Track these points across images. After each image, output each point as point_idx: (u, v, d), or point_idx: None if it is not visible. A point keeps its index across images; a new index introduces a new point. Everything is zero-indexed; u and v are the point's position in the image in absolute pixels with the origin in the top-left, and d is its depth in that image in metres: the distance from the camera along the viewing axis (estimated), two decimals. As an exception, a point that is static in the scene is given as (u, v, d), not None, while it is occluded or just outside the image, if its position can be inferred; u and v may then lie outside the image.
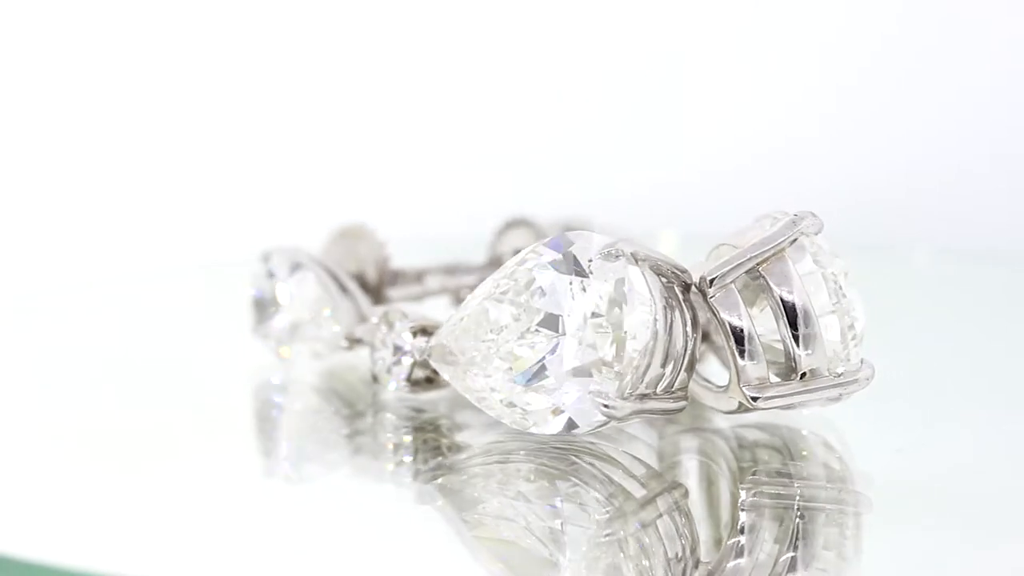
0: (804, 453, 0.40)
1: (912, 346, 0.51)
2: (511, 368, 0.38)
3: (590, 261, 0.38)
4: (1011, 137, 0.70)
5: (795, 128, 0.72)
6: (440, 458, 0.41)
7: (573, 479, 0.39)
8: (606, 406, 0.38)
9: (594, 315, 0.38)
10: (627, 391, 0.38)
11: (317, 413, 0.46)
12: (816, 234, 0.39)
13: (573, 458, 0.39)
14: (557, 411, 0.38)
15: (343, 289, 0.46)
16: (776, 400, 0.38)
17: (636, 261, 0.38)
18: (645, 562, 0.34)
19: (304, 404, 0.47)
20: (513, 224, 0.52)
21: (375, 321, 0.43)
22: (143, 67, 0.73)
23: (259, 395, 0.48)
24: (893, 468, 0.39)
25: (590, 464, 0.39)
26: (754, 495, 0.37)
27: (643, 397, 0.38)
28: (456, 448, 0.41)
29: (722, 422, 0.41)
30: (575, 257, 0.38)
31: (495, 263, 0.51)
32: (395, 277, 0.51)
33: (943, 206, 0.70)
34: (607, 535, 0.36)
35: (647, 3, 0.73)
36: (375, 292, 0.50)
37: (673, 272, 0.39)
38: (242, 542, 0.36)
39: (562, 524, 0.36)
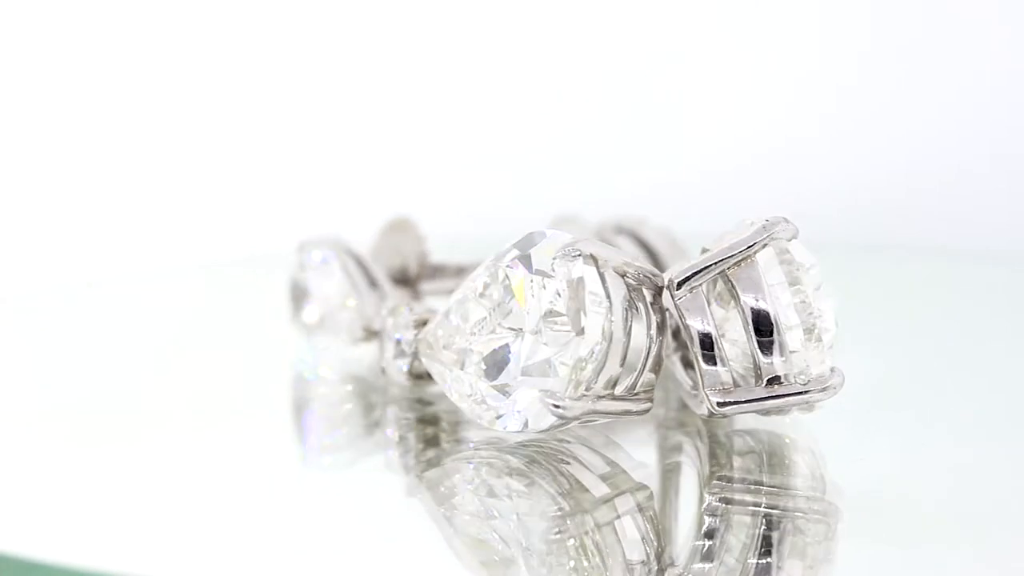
0: (786, 461, 0.40)
1: (908, 348, 0.51)
2: (479, 364, 0.39)
3: (553, 260, 0.38)
4: (1010, 137, 0.70)
5: (794, 128, 0.72)
6: (434, 451, 0.41)
7: (549, 475, 0.39)
8: (556, 406, 0.38)
9: (548, 314, 0.38)
10: (581, 391, 0.38)
11: (330, 405, 0.47)
12: (789, 240, 0.38)
13: (562, 455, 0.40)
14: (514, 410, 0.38)
15: (371, 281, 0.47)
16: (740, 406, 0.38)
17: (596, 262, 0.38)
18: (599, 562, 0.34)
19: (319, 395, 0.48)
20: (560, 221, 0.52)
21: (384, 313, 0.43)
22: (149, 68, 0.73)
23: (279, 386, 0.49)
24: (872, 477, 0.39)
25: (573, 462, 0.40)
26: (720, 500, 0.37)
27: (600, 398, 0.38)
28: (456, 442, 0.41)
29: (724, 425, 0.41)
30: (538, 256, 0.38)
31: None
32: (435, 271, 0.51)
33: (942, 207, 0.70)
34: (557, 533, 0.36)
35: (647, 4, 0.73)
36: (414, 286, 0.50)
37: (644, 275, 0.39)
38: (232, 536, 0.37)
39: (518, 519, 0.37)
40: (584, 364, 0.38)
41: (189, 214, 0.73)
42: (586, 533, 0.36)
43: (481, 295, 0.39)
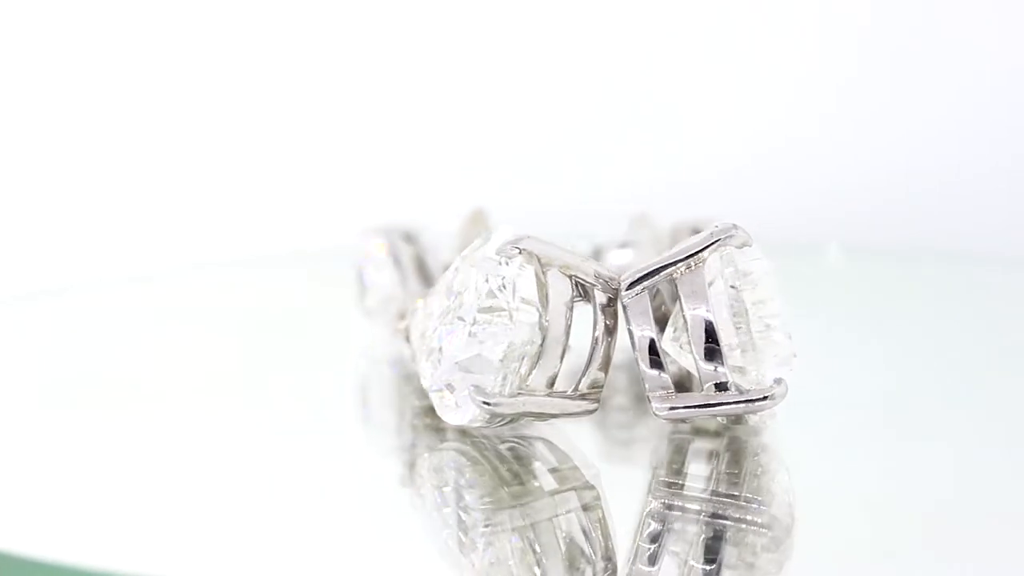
0: (746, 470, 0.39)
1: (906, 349, 0.51)
2: (436, 356, 0.39)
3: (496, 256, 0.39)
4: (1011, 139, 0.70)
5: (794, 129, 0.72)
6: (430, 440, 0.42)
7: (507, 468, 0.39)
8: (485, 402, 0.38)
9: (482, 310, 0.38)
10: (514, 388, 0.38)
11: (364, 394, 0.48)
12: (740, 247, 0.38)
13: (532, 451, 0.40)
14: (455, 403, 0.39)
15: (422, 273, 0.48)
16: (679, 411, 0.38)
17: (539, 261, 0.39)
18: (531, 557, 0.34)
19: (355, 384, 0.49)
20: (634, 221, 0.52)
21: (414, 306, 0.43)
22: (159, 71, 0.73)
23: (322, 375, 0.50)
24: (837, 488, 0.39)
25: (539, 458, 0.40)
26: (663, 505, 0.37)
27: (538, 396, 0.39)
28: (457, 433, 0.42)
29: (710, 426, 0.42)
30: (483, 252, 0.39)
31: (596, 255, 0.52)
32: None
33: (941, 208, 0.70)
34: (487, 525, 0.36)
35: (647, 4, 0.73)
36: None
37: (598, 277, 0.39)
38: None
39: (461, 511, 0.37)
40: (513, 360, 0.38)
41: (211, 212, 0.73)
42: (516, 529, 0.36)
43: (449, 288, 0.40)
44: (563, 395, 0.39)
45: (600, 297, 0.39)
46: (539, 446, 0.41)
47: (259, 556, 0.35)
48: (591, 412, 0.39)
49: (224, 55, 0.74)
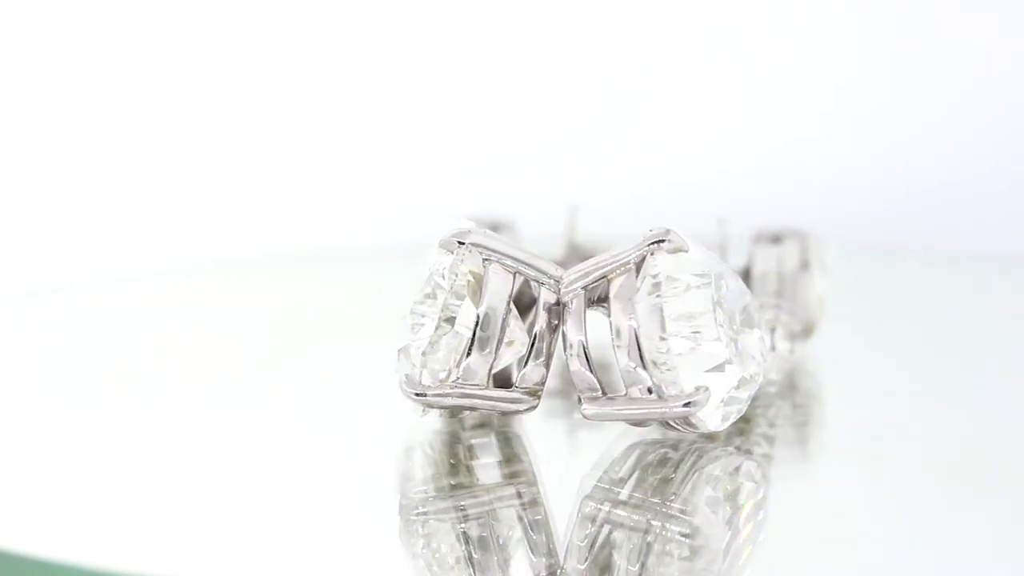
0: (684, 480, 0.39)
1: (902, 351, 0.51)
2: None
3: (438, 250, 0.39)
4: (1011, 139, 0.70)
5: (794, 129, 0.72)
6: (408, 431, 0.42)
7: (459, 461, 0.40)
8: (417, 393, 0.39)
9: (417, 302, 0.39)
10: (440, 380, 0.39)
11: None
12: (674, 252, 0.38)
13: (489, 445, 0.41)
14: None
15: None
16: (603, 412, 0.38)
17: (482, 256, 0.39)
18: (445, 548, 0.35)
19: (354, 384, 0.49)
20: (723, 223, 0.52)
21: None
22: (161, 71, 0.73)
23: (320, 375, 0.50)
24: (785, 503, 0.39)
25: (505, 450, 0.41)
26: (589, 511, 0.37)
27: (468, 388, 0.39)
28: (440, 423, 0.42)
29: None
30: (433, 246, 0.40)
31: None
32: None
33: (940, 208, 0.70)
34: (416, 513, 0.37)
35: (646, 4, 0.73)
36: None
37: (544, 274, 0.39)
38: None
39: (402, 496, 0.38)
40: (439, 352, 0.39)
41: (206, 213, 0.73)
42: (448, 518, 0.37)
43: (426, 281, 0.40)
44: (499, 390, 0.39)
45: (547, 295, 0.39)
46: (496, 440, 0.41)
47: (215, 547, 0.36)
48: (529, 409, 0.39)
49: (224, 54, 0.74)
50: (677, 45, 0.73)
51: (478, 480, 0.39)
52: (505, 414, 0.40)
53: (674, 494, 0.38)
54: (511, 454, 0.41)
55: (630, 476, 0.39)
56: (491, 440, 0.41)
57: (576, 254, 0.51)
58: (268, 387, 0.48)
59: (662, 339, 0.38)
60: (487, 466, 0.40)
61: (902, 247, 0.68)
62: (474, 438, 0.41)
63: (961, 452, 0.41)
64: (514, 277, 0.39)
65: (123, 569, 0.33)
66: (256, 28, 0.74)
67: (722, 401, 0.38)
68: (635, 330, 0.38)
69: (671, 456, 0.40)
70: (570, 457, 0.42)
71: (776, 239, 0.48)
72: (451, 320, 0.39)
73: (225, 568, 0.35)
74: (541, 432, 0.42)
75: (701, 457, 0.39)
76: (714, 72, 0.73)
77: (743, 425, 0.42)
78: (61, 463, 0.41)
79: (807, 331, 0.46)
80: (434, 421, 0.41)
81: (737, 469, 0.39)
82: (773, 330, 0.43)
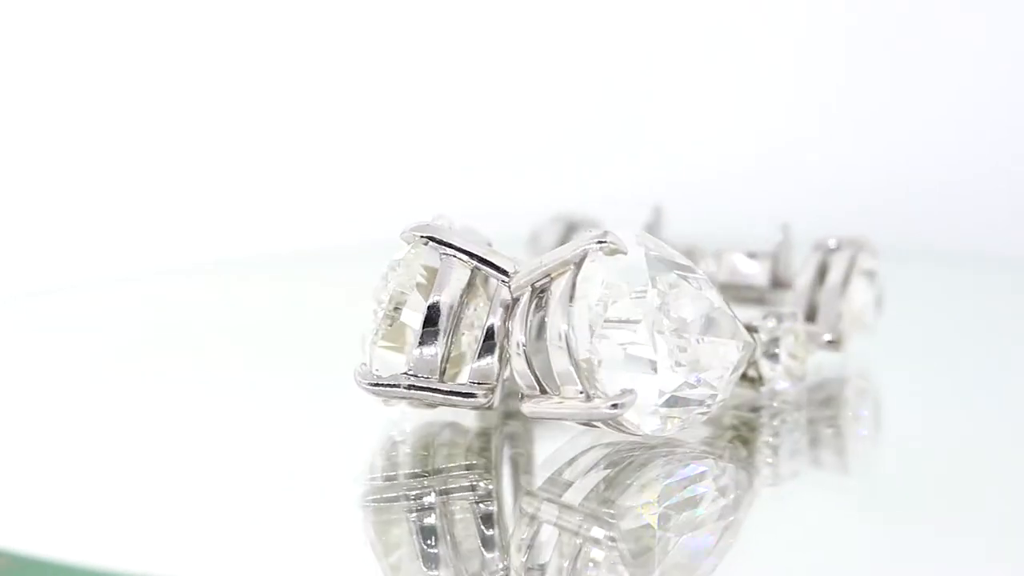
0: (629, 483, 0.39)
1: (901, 352, 0.51)
2: None
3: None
4: (1011, 139, 0.70)
5: (792, 130, 0.72)
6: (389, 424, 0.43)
7: (419, 453, 0.41)
8: (369, 384, 0.39)
9: (376, 292, 0.40)
10: (390, 370, 0.39)
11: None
12: (612, 254, 0.38)
13: (454, 438, 0.42)
14: None
15: None
16: (537, 412, 0.39)
17: (438, 249, 0.40)
18: (391, 536, 0.36)
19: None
20: (785, 228, 0.51)
21: None
22: (159, 72, 0.73)
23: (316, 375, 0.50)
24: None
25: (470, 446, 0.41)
26: (529, 510, 0.38)
27: (417, 379, 0.39)
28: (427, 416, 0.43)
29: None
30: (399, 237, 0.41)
31: (717, 257, 0.51)
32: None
33: (939, 209, 0.70)
34: (371, 500, 0.38)
35: (647, 5, 0.73)
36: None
37: (498, 271, 0.40)
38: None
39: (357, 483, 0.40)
40: (384, 341, 0.39)
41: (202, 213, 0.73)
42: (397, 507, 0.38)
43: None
44: (449, 383, 0.40)
45: (505, 292, 0.40)
46: (465, 434, 0.42)
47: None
48: (481, 406, 0.40)
49: (222, 54, 0.74)
50: (677, 45, 0.73)
51: (439, 471, 0.39)
52: (459, 408, 0.40)
53: (609, 497, 0.38)
54: (481, 447, 0.41)
55: (578, 477, 0.39)
56: (469, 434, 0.42)
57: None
58: (266, 385, 0.49)
59: (592, 341, 0.38)
60: (455, 457, 0.40)
61: (901, 248, 0.68)
62: (455, 432, 0.42)
63: (959, 461, 0.41)
64: (471, 272, 0.40)
65: (122, 569, 0.33)
66: (257, 29, 0.74)
67: (662, 406, 0.38)
68: (567, 331, 0.38)
69: (629, 458, 0.40)
70: (539, 455, 0.42)
71: (830, 248, 0.48)
72: (398, 310, 0.40)
73: (207, 562, 0.35)
74: (526, 430, 0.42)
75: (654, 460, 0.40)
76: (714, 72, 0.73)
77: (748, 434, 0.42)
78: (57, 462, 0.41)
79: (835, 343, 0.46)
80: (440, 414, 0.42)
81: (701, 475, 0.39)
82: (775, 339, 0.43)
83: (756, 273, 0.50)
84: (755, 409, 0.43)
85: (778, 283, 0.50)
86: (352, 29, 0.74)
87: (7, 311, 0.59)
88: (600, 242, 0.38)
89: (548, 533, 0.36)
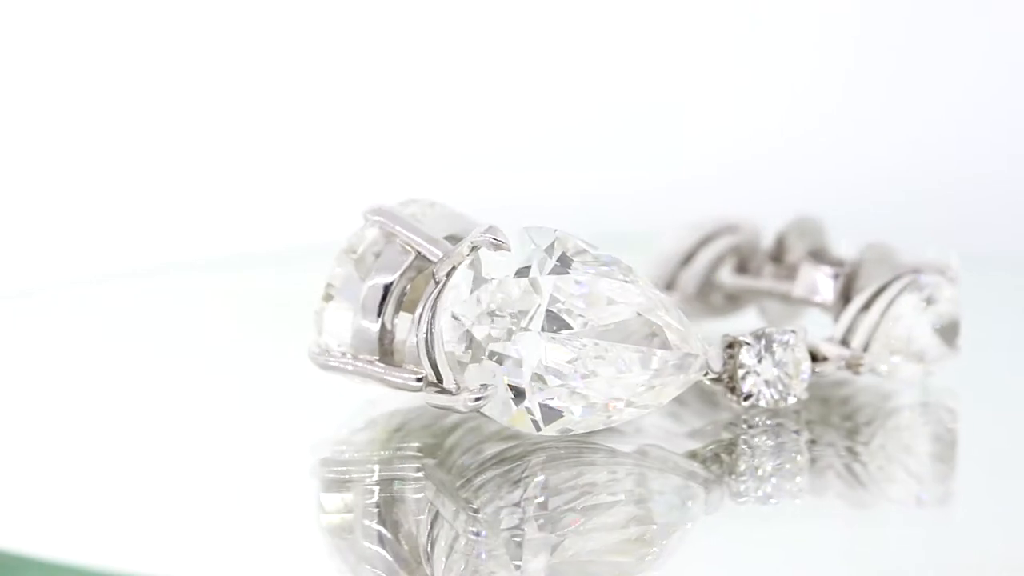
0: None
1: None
2: None
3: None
4: (1012, 139, 0.70)
5: (794, 129, 0.72)
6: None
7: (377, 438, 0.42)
8: (320, 362, 0.41)
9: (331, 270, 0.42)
10: (336, 350, 0.41)
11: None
12: (496, 250, 0.39)
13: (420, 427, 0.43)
14: None
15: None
16: (429, 399, 0.40)
17: (385, 233, 0.41)
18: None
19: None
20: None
21: None
22: (149, 68, 0.73)
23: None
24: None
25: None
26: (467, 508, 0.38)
27: (357, 360, 0.41)
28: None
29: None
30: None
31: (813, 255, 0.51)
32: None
33: (940, 209, 0.70)
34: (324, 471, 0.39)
35: (647, 5, 0.73)
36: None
37: (430, 256, 0.40)
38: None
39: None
40: (328, 320, 0.41)
41: (190, 210, 0.73)
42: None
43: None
44: (384, 364, 0.40)
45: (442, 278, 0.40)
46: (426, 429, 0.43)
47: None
48: (411, 388, 0.40)
49: (225, 50, 0.74)
50: (679, 44, 0.73)
51: (384, 453, 0.41)
52: (396, 388, 0.41)
53: (474, 494, 0.38)
54: (445, 430, 0.42)
55: (473, 470, 0.40)
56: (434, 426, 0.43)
57: (821, 260, 0.50)
58: (264, 382, 0.49)
59: (460, 339, 0.39)
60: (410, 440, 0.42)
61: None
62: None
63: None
64: (413, 256, 0.41)
65: (123, 569, 0.33)
66: (258, 30, 0.74)
67: (546, 404, 0.39)
68: (431, 326, 0.39)
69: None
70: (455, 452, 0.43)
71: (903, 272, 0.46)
72: (332, 287, 0.41)
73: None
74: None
75: (554, 461, 0.40)
76: (715, 73, 0.73)
77: (724, 451, 0.42)
78: (56, 462, 0.41)
79: (853, 367, 0.44)
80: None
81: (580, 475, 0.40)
82: (762, 355, 0.42)
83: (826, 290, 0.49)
84: (733, 424, 0.43)
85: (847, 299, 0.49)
86: (357, 28, 0.74)
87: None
88: (483, 238, 0.39)
89: (435, 521, 0.37)
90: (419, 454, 0.41)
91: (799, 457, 0.42)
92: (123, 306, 0.59)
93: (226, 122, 0.74)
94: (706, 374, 0.41)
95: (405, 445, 0.41)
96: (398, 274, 0.40)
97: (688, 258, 0.51)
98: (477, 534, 0.36)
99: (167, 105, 0.73)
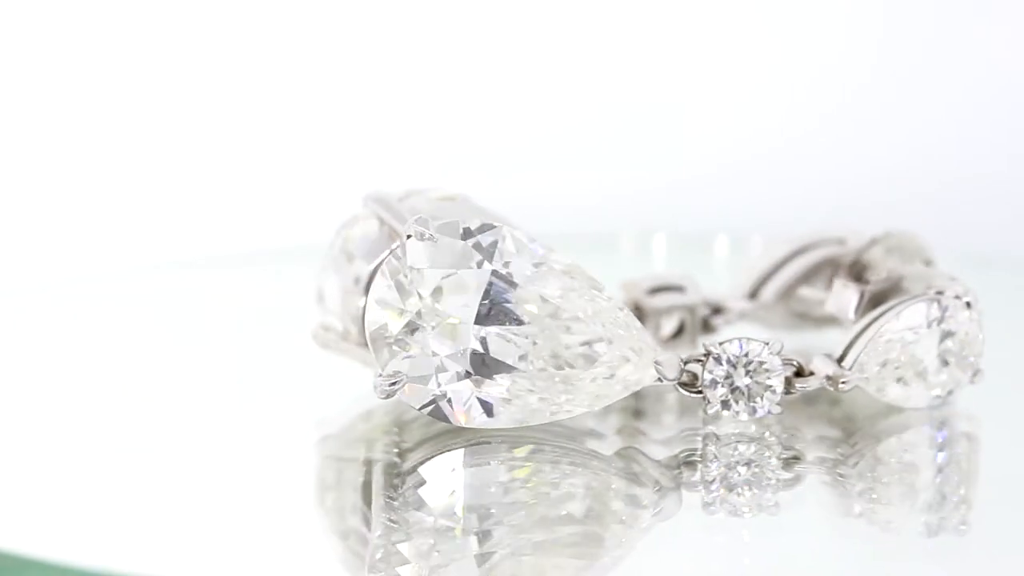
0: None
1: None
2: None
3: None
4: (1012, 139, 0.70)
5: (794, 129, 0.72)
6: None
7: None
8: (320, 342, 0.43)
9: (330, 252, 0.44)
10: (335, 328, 0.42)
11: None
12: (421, 240, 0.40)
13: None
14: None
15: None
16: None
17: (379, 218, 0.42)
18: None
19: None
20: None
21: None
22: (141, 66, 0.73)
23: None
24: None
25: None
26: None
27: (347, 343, 0.43)
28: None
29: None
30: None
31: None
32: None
33: (940, 209, 0.70)
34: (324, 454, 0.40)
35: (647, 5, 0.73)
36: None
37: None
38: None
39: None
40: (322, 302, 0.42)
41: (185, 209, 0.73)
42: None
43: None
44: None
45: None
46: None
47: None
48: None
49: (227, 49, 0.74)
50: (676, 45, 0.73)
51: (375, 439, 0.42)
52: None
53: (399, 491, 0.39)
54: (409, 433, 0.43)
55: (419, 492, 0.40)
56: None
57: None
58: (264, 382, 0.49)
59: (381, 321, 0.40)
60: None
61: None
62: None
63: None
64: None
65: (122, 569, 0.33)
66: (259, 30, 0.74)
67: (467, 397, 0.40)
68: (363, 310, 0.40)
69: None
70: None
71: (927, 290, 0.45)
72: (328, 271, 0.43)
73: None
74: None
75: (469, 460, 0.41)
76: (716, 73, 0.73)
77: (696, 458, 0.42)
78: (53, 462, 0.41)
79: (831, 379, 0.43)
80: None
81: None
82: (739, 365, 0.42)
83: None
84: (707, 435, 0.43)
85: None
86: (359, 27, 0.74)
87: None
88: (412, 229, 0.40)
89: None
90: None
91: (771, 471, 0.41)
92: (123, 305, 0.59)
93: (227, 122, 0.74)
94: (660, 380, 0.41)
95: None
96: (380, 261, 0.41)
97: (777, 269, 0.50)
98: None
99: (167, 104, 0.73)
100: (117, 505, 0.38)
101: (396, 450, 0.42)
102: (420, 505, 0.38)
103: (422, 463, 0.41)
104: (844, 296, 0.47)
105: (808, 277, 0.49)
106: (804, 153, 0.72)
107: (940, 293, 0.44)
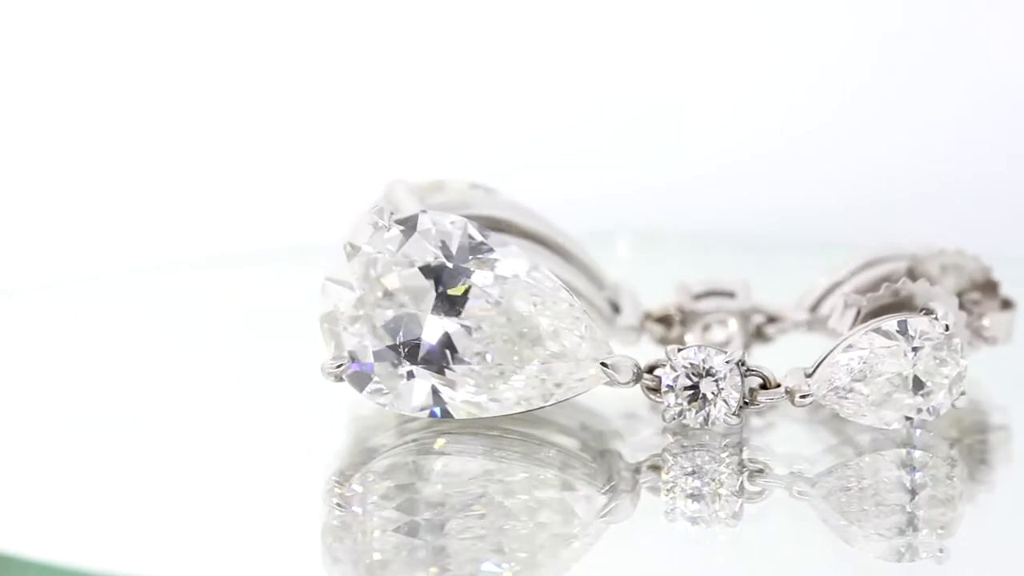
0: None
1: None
2: None
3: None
4: (1012, 139, 0.70)
5: (794, 129, 0.72)
6: None
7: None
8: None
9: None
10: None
11: None
12: (377, 229, 0.41)
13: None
14: None
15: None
16: None
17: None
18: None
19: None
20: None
21: None
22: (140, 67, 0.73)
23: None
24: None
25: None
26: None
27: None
28: None
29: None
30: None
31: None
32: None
33: (940, 209, 0.70)
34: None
35: (647, 5, 0.73)
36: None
37: None
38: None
39: None
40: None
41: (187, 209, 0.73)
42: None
43: None
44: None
45: None
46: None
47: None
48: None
49: (229, 49, 0.74)
50: (677, 45, 0.73)
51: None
52: None
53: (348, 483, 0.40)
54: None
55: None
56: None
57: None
58: (264, 381, 0.49)
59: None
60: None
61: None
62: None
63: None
64: None
65: (122, 569, 0.33)
66: (260, 30, 0.74)
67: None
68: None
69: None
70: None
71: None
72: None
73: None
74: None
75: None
76: (716, 73, 0.73)
77: (661, 462, 0.42)
78: (53, 462, 0.41)
79: (790, 392, 0.42)
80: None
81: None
82: (697, 374, 0.42)
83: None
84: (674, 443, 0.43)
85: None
86: (360, 27, 0.74)
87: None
88: (369, 217, 0.41)
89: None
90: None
91: (725, 480, 0.41)
92: (123, 305, 0.59)
93: (228, 121, 0.74)
94: (608, 383, 0.41)
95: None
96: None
97: (840, 283, 0.50)
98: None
99: (168, 104, 0.73)
100: (117, 506, 0.38)
101: (396, 450, 0.42)
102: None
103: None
104: (845, 311, 0.47)
105: (867, 292, 0.48)
106: (804, 153, 0.72)
107: (929, 313, 0.42)
